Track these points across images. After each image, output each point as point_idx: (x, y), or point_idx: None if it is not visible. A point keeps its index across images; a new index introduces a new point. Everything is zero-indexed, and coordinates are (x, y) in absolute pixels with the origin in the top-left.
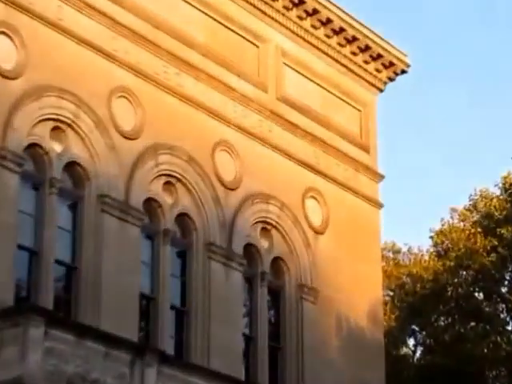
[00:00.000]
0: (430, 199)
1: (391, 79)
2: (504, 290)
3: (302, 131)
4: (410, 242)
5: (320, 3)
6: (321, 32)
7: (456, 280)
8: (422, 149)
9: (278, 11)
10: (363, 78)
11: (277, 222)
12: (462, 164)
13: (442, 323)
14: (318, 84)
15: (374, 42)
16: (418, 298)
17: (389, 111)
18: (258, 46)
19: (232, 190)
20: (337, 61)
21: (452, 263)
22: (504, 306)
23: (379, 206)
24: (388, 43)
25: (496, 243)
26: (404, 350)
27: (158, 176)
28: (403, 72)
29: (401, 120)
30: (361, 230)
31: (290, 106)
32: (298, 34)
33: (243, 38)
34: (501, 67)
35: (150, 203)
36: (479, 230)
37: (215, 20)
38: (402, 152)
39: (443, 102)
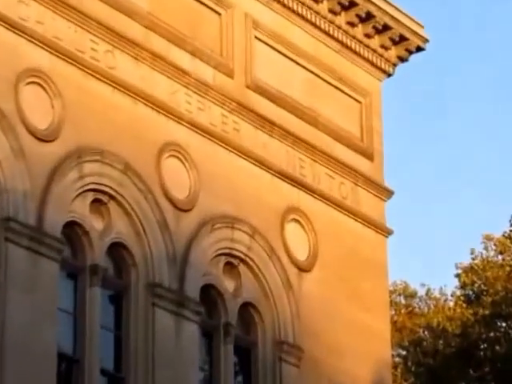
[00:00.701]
0: (455, 223)
1: (402, 59)
2: None
3: (280, 130)
4: (429, 282)
5: None
6: None
7: (492, 334)
8: (443, 155)
9: None
10: (364, 58)
11: (246, 256)
12: (499, 175)
13: None
14: (302, 66)
15: (380, 8)
16: (440, 359)
17: (399, 103)
18: (219, 14)
19: (185, 211)
20: (328, 34)
21: (487, 311)
22: None
23: (386, 232)
24: (399, 11)
25: None
26: None
27: (83, 192)
28: (419, 49)
29: (416, 115)
30: (362, 265)
31: (264, 95)
32: None
33: (200, 2)
34: None
35: (73, 229)
36: None
37: None
38: (418, 159)
39: (471, 90)
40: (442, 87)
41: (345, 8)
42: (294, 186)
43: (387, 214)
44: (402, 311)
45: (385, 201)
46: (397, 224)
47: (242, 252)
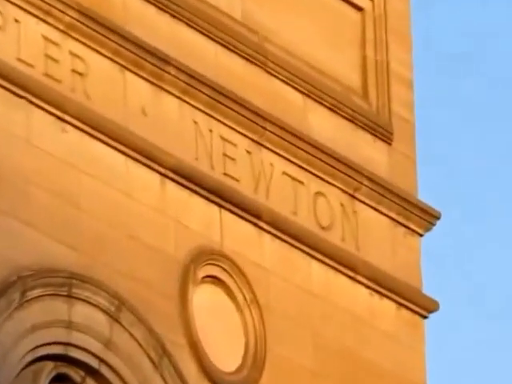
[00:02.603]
0: None
1: None
2: None
3: (180, 76)
4: None
5: None
6: None
7: None
8: None
9: None
10: None
11: (102, 361)
12: None
13: None
14: None
15: None
16: None
17: (450, 13)
18: None
19: None
20: None
21: None
22: None
23: (424, 307)
24: None
25: None
26: None
27: None
28: None
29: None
30: (371, 379)
31: None
32: None
33: None
34: None
35: None
36: None
37: None
38: (490, 139)
39: None
40: None
41: None
42: (211, 201)
43: (425, 266)
44: None
45: (420, 235)
46: (445, 287)
47: (91, 353)
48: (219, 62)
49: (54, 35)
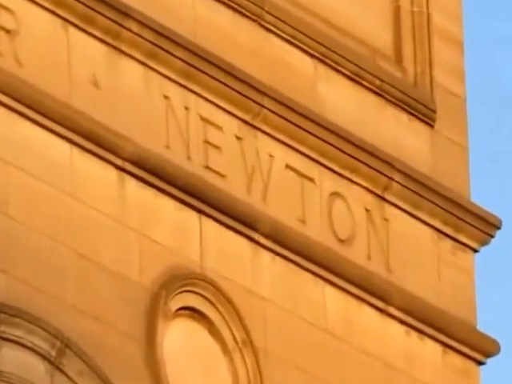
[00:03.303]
0: None
1: None
2: None
3: (140, 28)
4: None
5: None
6: None
7: None
8: None
9: None
10: None
11: None
12: None
13: None
14: None
15: None
16: None
17: None
18: None
19: None
20: None
21: None
22: None
23: (481, 350)
24: None
25: None
26: None
27: None
28: None
29: None
30: None
31: None
32: None
33: None
34: None
35: None
36: None
37: None
38: None
39: None
40: None
41: None
42: (188, 205)
43: (480, 294)
44: None
45: (475, 251)
46: (508, 323)
47: None
48: (198, 15)
49: None
